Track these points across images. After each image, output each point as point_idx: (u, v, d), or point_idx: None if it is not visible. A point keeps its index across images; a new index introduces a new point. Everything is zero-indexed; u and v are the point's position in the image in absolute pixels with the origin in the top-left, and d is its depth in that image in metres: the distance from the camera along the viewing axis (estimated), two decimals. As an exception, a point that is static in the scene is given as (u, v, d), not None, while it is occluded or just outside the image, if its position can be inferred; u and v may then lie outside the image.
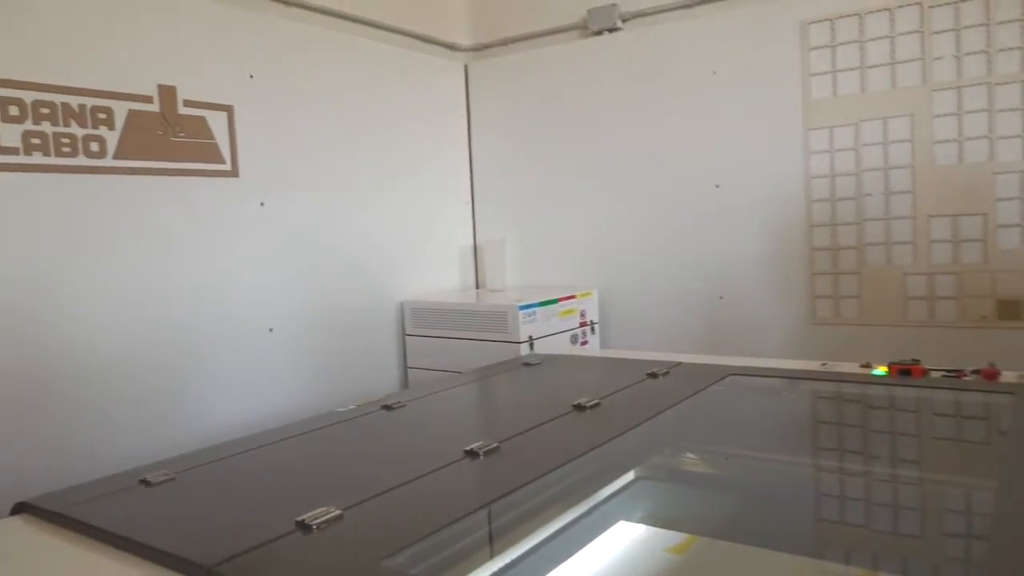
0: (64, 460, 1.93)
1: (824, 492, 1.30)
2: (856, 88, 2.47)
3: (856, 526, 1.13)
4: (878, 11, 2.40)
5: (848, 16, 2.46)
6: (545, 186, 3.19)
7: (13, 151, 1.85)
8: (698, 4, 2.82)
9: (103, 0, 2.03)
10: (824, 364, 1.85)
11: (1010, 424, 1.43)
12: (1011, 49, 2.24)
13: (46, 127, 1.90)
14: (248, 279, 2.40)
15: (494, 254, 3.24)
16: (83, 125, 1.98)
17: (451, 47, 3.37)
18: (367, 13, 2.92)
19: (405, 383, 2.98)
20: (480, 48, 3.42)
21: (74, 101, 1.96)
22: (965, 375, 1.64)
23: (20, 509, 1.09)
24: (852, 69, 2.47)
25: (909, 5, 2.36)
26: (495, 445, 1.25)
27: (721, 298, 2.79)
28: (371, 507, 1.01)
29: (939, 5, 2.31)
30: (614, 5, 2.97)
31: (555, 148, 3.14)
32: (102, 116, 2.02)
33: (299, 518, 0.95)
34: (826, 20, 2.49)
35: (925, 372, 1.66)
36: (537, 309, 2.69)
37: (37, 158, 1.89)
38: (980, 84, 2.28)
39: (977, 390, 1.58)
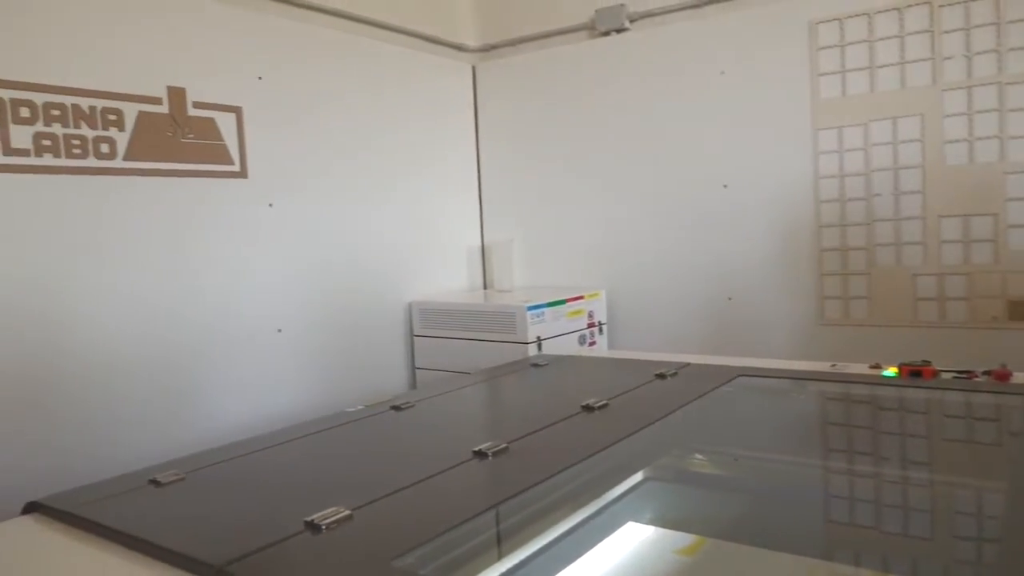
0: (74, 459, 1.94)
1: (834, 494, 1.30)
2: (865, 88, 2.46)
3: (866, 528, 1.13)
4: (887, 11, 2.39)
5: (857, 16, 2.45)
6: (553, 186, 3.19)
7: (24, 152, 1.86)
8: (706, 4, 2.82)
9: (112, 3, 2.04)
10: (834, 365, 1.84)
11: (1022, 426, 1.42)
12: (1022, 48, 2.22)
13: (57, 129, 1.91)
14: (257, 280, 2.41)
15: (502, 255, 3.24)
16: (93, 126, 1.99)
17: (459, 48, 3.37)
18: (375, 14, 2.92)
19: (413, 383, 2.98)
20: (487, 49, 3.42)
21: (84, 103, 1.97)
22: (976, 376, 1.63)
23: (31, 508, 1.10)
24: (861, 69, 2.46)
25: (918, 4, 2.34)
26: (504, 446, 1.25)
27: (729, 299, 2.78)
28: (380, 507, 1.01)
29: (949, 4, 2.30)
30: (622, 5, 2.97)
31: (563, 148, 3.14)
32: (112, 118, 2.03)
33: (308, 518, 0.95)
34: (835, 20, 2.48)
35: (936, 373, 1.66)
36: (545, 310, 2.69)
37: (48, 159, 1.90)
38: (991, 84, 2.27)
39: (988, 391, 1.57)
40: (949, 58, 2.32)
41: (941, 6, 2.31)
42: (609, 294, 3.05)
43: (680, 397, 1.58)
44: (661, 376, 1.79)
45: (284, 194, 2.49)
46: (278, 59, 2.47)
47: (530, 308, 2.63)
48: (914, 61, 2.37)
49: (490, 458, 1.21)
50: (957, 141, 2.33)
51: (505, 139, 3.32)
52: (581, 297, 2.88)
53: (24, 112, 1.86)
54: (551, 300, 2.74)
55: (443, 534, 0.93)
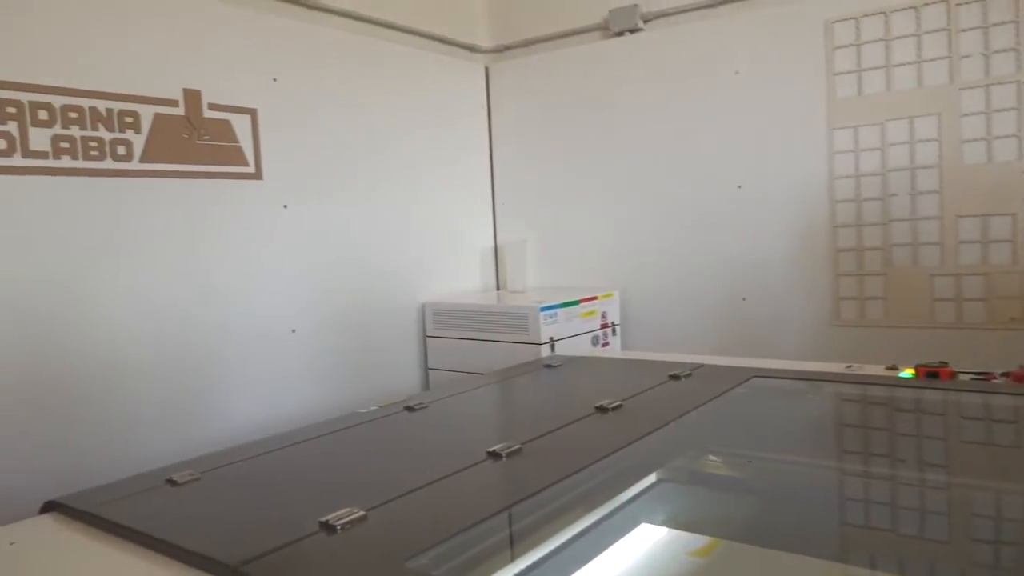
0: (90, 459, 1.96)
1: (849, 496, 1.29)
2: (882, 87, 2.44)
3: (882, 530, 1.12)
4: (904, 9, 2.38)
5: (873, 15, 2.43)
6: (566, 187, 3.18)
7: (43, 155, 1.88)
8: (720, 4, 2.80)
9: (129, 7, 2.06)
10: (849, 366, 1.83)
11: (1041, 428, 1.40)
12: (1041, 46, 2.20)
13: (74, 131, 1.93)
14: (271, 280, 2.42)
15: (515, 255, 3.24)
16: (110, 129, 2.01)
17: (472, 49, 3.37)
18: (388, 16, 2.93)
19: (426, 384, 2.99)
20: (501, 50, 3.42)
21: (101, 105, 1.99)
22: (994, 378, 1.61)
23: (49, 508, 1.11)
24: (877, 68, 2.44)
25: (935, 3, 2.32)
26: (517, 447, 1.25)
27: (744, 299, 2.76)
28: (395, 508, 1.02)
29: (966, 3, 2.28)
30: (635, 6, 2.96)
31: (576, 149, 3.14)
32: (129, 120, 2.04)
33: (323, 518, 0.95)
34: (851, 19, 2.47)
35: (953, 375, 1.64)
36: (558, 310, 2.69)
37: (66, 162, 1.92)
38: (1009, 82, 2.24)
39: (1007, 393, 1.55)
40: (967, 56, 2.29)
41: (958, 4, 2.29)
42: (622, 295, 3.04)
43: (694, 398, 1.58)
44: (675, 377, 1.78)
45: (298, 195, 2.50)
46: (293, 61, 2.48)
47: (543, 309, 2.63)
48: (931, 60, 2.35)
49: (504, 459, 1.21)
50: (975, 140, 2.31)
51: (518, 140, 3.32)
52: (594, 298, 2.88)
53: (42, 115, 1.88)
54: (564, 301, 2.73)
55: (457, 535, 0.93)
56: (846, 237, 2.54)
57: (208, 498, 1.12)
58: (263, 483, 1.20)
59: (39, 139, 1.87)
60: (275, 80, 2.42)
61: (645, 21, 2.98)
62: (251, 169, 2.35)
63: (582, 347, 2.77)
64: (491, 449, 1.23)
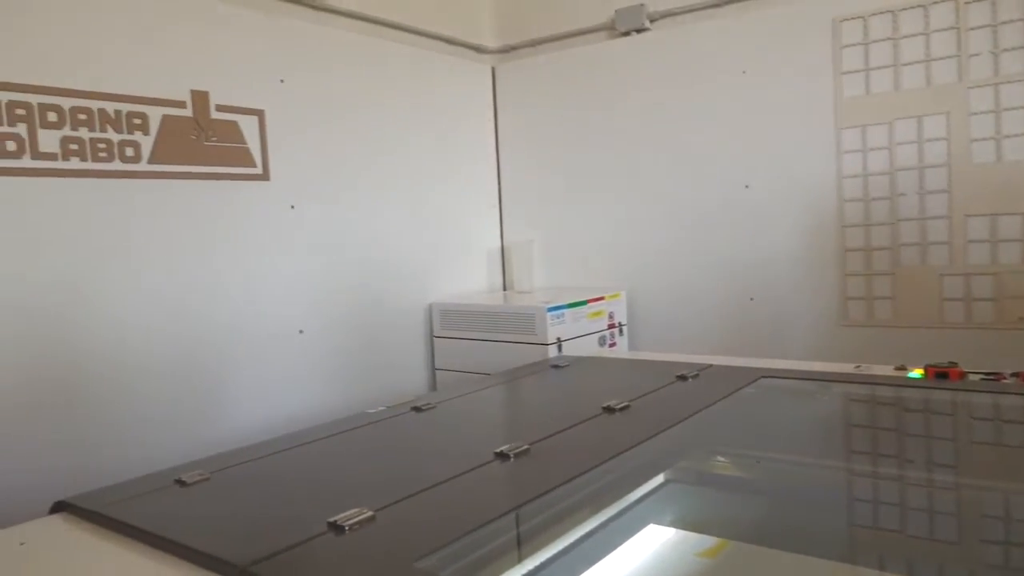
0: (99, 459, 1.96)
1: (858, 497, 1.28)
2: (890, 86, 2.43)
3: (891, 531, 1.12)
4: (912, 8, 2.37)
5: (881, 13, 2.42)
6: (573, 187, 3.18)
7: (52, 156, 1.89)
8: (727, 3, 2.80)
9: (137, 8, 2.06)
10: (858, 366, 1.82)
11: (1051, 428, 1.40)
12: (1051, 44, 2.19)
13: (83, 133, 1.94)
14: (278, 281, 2.42)
15: (522, 255, 3.24)
16: (119, 130, 2.01)
17: (478, 49, 3.37)
18: (395, 17, 2.93)
19: (433, 385, 2.99)
20: (507, 50, 3.42)
21: (110, 107, 2.00)
22: (1004, 378, 1.60)
23: (59, 508, 1.11)
24: (886, 67, 2.43)
25: (944, 1, 2.31)
26: (525, 447, 1.25)
27: (752, 299, 2.76)
28: (403, 508, 1.02)
29: (975, 1, 2.27)
30: (642, 5, 2.96)
31: (583, 149, 3.14)
32: (137, 121, 2.05)
33: (331, 519, 0.96)
34: (859, 17, 2.46)
35: (963, 375, 1.63)
36: (565, 311, 2.69)
37: (75, 163, 1.93)
38: (1018, 81, 2.23)
39: (1017, 393, 1.55)
40: (976, 55, 2.28)
41: (967, 2, 2.28)
42: (629, 295, 3.04)
43: (702, 399, 1.58)
44: (682, 377, 1.78)
45: (305, 196, 2.51)
46: (299, 62, 2.49)
47: (550, 309, 2.62)
48: (940, 59, 2.34)
49: (511, 460, 1.21)
50: (984, 139, 2.30)
51: (525, 140, 3.32)
52: (601, 298, 2.88)
53: (52, 117, 1.89)
54: (571, 301, 2.73)
55: (465, 536, 0.93)
56: (854, 237, 2.53)
57: (217, 498, 1.12)
58: (272, 483, 1.20)
59: (48, 141, 1.88)
60: (282, 81, 2.43)
61: (651, 21, 2.98)
62: (258, 170, 2.36)
63: (589, 347, 2.77)
64: (499, 450, 1.23)
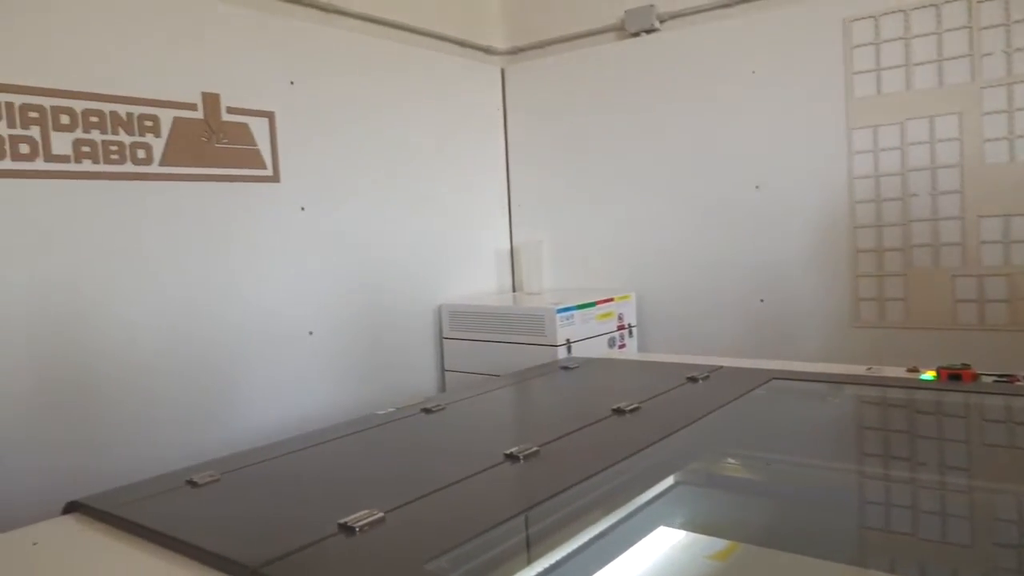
0: (111, 459, 1.97)
1: (870, 499, 1.28)
2: (901, 86, 2.41)
3: (903, 534, 1.11)
4: (923, 7, 2.35)
5: (892, 13, 2.40)
6: (582, 188, 3.18)
7: (64, 159, 1.90)
8: (737, 3, 2.79)
9: (149, 11, 2.08)
10: (870, 368, 1.82)
11: (1066, 431, 1.38)
12: (1064, 44, 2.17)
13: (95, 135, 1.96)
14: (289, 283, 2.43)
15: (531, 257, 3.24)
16: (130, 133, 2.03)
17: (487, 51, 3.38)
18: (404, 19, 2.94)
19: (443, 386, 2.99)
20: (516, 51, 3.42)
21: (122, 109, 2.01)
22: (1018, 380, 1.59)
23: (72, 508, 1.12)
24: (897, 67, 2.41)
25: (956, 0, 2.30)
26: (535, 449, 1.25)
27: (762, 301, 2.75)
28: (413, 510, 1.02)
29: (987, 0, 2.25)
30: (651, 6, 2.95)
31: (592, 150, 3.13)
32: (148, 124, 2.06)
33: (342, 520, 0.96)
34: (869, 17, 2.45)
35: (976, 377, 1.62)
36: (575, 312, 2.68)
37: (87, 165, 1.94)
38: (1032, 80, 2.21)
39: (1030, 396, 1.54)
40: (988, 54, 2.27)
41: (979, 1, 2.27)
42: (639, 296, 3.03)
43: (712, 400, 1.57)
44: (693, 379, 1.78)
45: (315, 198, 2.51)
46: (309, 64, 2.50)
47: (559, 310, 2.62)
48: (952, 58, 2.32)
49: (521, 461, 1.21)
50: (997, 139, 2.28)
51: (534, 141, 3.32)
52: (611, 299, 2.87)
53: (64, 119, 1.90)
54: (581, 302, 2.73)
55: (475, 537, 0.93)
56: (865, 238, 2.52)
57: (228, 499, 1.13)
58: (282, 484, 1.20)
59: (61, 143, 1.89)
60: (292, 83, 2.44)
61: (661, 21, 2.97)
62: (269, 172, 2.37)
63: (598, 349, 2.77)
64: (508, 451, 1.23)
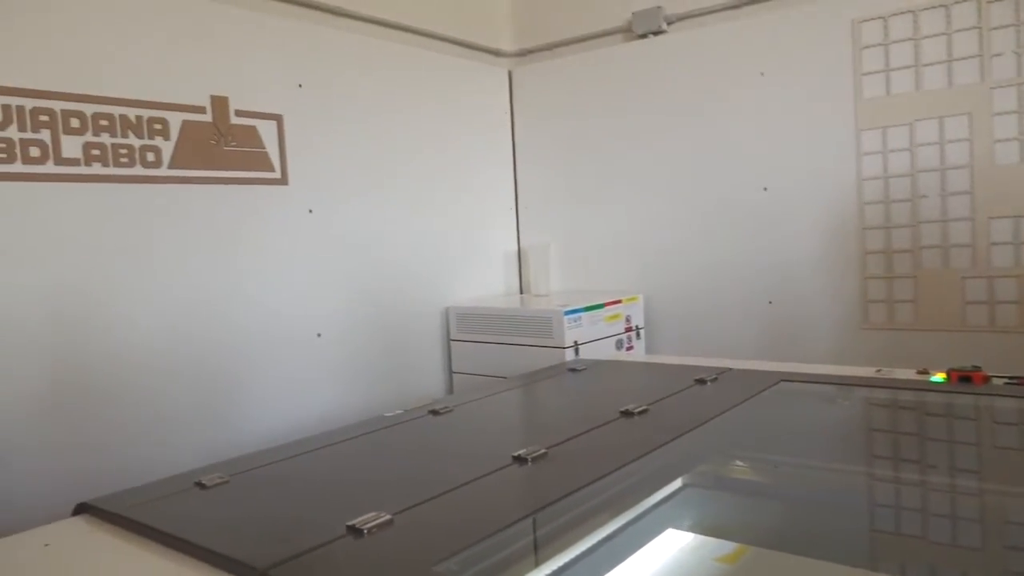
0: (119, 461, 1.98)
1: (879, 502, 1.27)
2: (910, 87, 2.40)
3: (913, 538, 1.11)
4: (933, 8, 2.34)
5: (901, 13, 2.40)
6: (590, 190, 3.18)
7: (74, 162, 1.91)
8: (745, 4, 2.78)
9: (158, 15, 2.09)
10: (879, 370, 1.81)
11: (1078, 434, 1.37)
12: (1075, 44, 2.16)
13: (105, 138, 1.97)
14: (297, 285, 2.44)
15: (539, 259, 3.24)
16: (140, 136, 2.04)
17: (495, 53, 3.38)
18: (412, 21, 2.95)
19: (450, 388, 2.99)
20: (524, 53, 3.42)
21: (131, 113, 2.02)
22: (1029, 382, 1.58)
23: (81, 510, 1.13)
24: (906, 68, 2.40)
25: (965, 0, 2.29)
26: (543, 451, 1.25)
27: (770, 302, 2.74)
28: (421, 512, 1.02)
29: (998, 0, 2.24)
30: (659, 8, 2.95)
31: (600, 152, 3.13)
32: (158, 127, 2.07)
33: (350, 522, 0.96)
34: (878, 18, 2.44)
35: (987, 379, 1.61)
36: (582, 314, 2.68)
37: (97, 168, 1.95)
38: (1042, 81, 2.20)
39: (1042, 398, 1.52)
40: (998, 55, 2.26)
41: (989, 2, 2.25)
42: (647, 298, 3.03)
43: (720, 403, 1.57)
44: (701, 381, 1.77)
45: (323, 200, 2.52)
46: (317, 67, 2.50)
47: (567, 313, 2.62)
48: (961, 59, 2.31)
49: (529, 463, 1.21)
50: (1007, 140, 2.27)
51: (541, 143, 3.32)
52: (619, 301, 2.87)
53: (74, 123, 1.91)
54: (588, 304, 2.73)
55: (483, 540, 0.93)
56: (874, 239, 2.51)
57: (236, 501, 1.13)
58: (290, 486, 1.21)
59: (71, 147, 1.91)
60: (300, 86, 2.45)
61: (668, 23, 2.97)
62: (277, 175, 2.38)
63: (606, 351, 2.76)
64: (516, 453, 1.23)
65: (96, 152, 1.95)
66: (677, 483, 1.27)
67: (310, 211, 2.48)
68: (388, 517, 0.98)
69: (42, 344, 1.87)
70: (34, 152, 1.84)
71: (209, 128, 2.19)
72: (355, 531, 0.95)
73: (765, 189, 2.72)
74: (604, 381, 1.95)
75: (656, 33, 2.98)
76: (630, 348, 2.92)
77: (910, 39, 2.39)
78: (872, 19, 2.45)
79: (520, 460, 1.21)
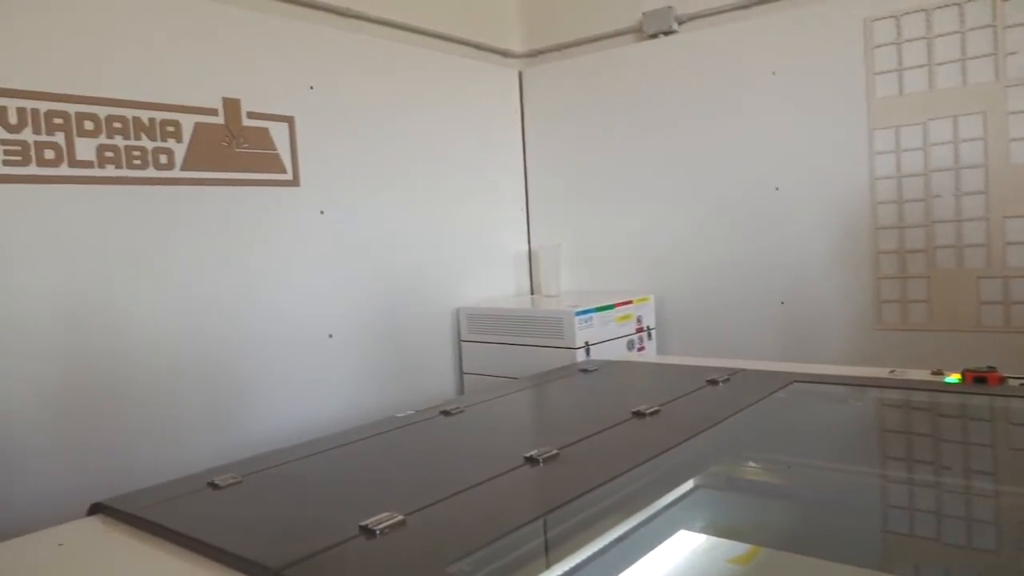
0: (132, 461, 1.99)
1: (893, 504, 1.26)
2: (924, 86, 2.39)
3: (926, 539, 1.10)
4: (946, 6, 2.33)
5: (914, 12, 2.38)
6: (600, 191, 3.17)
7: (88, 164, 1.93)
8: (756, 4, 2.77)
9: (170, 18, 2.10)
10: (892, 371, 1.80)
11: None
12: (1091, 41, 2.14)
13: (118, 141, 1.98)
14: (308, 286, 2.45)
15: (549, 259, 3.24)
16: (153, 138, 2.05)
17: (505, 54, 3.38)
18: (422, 23, 2.95)
19: (461, 389, 3.00)
20: (534, 54, 3.42)
21: (144, 115, 2.03)
22: (1045, 383, 1.57)
23: (96, 510, 1.13)
24: (919, 67, 2.39)
25: (979, -1, 2.27)
26: (554, 452, 1.25)
27: (782, 303, 2.73)
28: (433, 512, 1.02)
29: (1012, -2, 2.23)
30: (670, 8, 2.94)
31: (610, 152, 3.13)
32: (170, 129, 2.09)
33: (363, 523, 0.96)
34: (891, 17, 2.42)
35: (1002, 380, 1.60)
36: (593, 315, 2.68)
37: (110, 170, 1.97)
38: (1057, 79, 2.18)
39: (1058, 399, 1.51)
40: (1013, 53, 2.24)
41: (1003, 0, 2.24)
42: (658, 299, 3.02)
43: (733, 403, 1.56)
44: (712, 382, 1.76)
45: (335, 202, 2.53)
46: (329, 69, 2.51)
47: (578, 313, 2.62)
48: (975, 57, 2.30)
49: (541, 464, 1.21)
50: (1022, 139, 2.25)
51: (551, 143, 3.32)
52: (630, 302, 2.86)
53: (88, 125, 1.92)
54: (599, 305, 2.72)
55: (496, 540, 0.93)
56: (887, 239, 2.49)
57: (249, 501, 1.14)
58: (303, 487, 1.21)
59: (85, 149, 1.92)
60: (312, 88, 2.45)
61: (679, 23, 2.96)
62: (289, 176, 2.39)
63: (617, 352, 2.76)
64: (528, 454, 1.23)
65: (110, 154, 1.96)
66: (689, 484, 1.27)
67: (321, 212, 2.49)
68: (401, 517, 0.98)
69: (56, 345, 1.88)
70: (49, 154, 1.86)
71: (221, 130, 2.20)
72: (368, 531, 0.95)
73: (777, 189, 2.70)
74: (615, 382, 1.95)
75: (667, 33, 2.97)
76: (641, 349, 2.91)
77: (923, 38, 2.37)
78: (884, 18, 2.43)
79: (532, 461, 1.21)
